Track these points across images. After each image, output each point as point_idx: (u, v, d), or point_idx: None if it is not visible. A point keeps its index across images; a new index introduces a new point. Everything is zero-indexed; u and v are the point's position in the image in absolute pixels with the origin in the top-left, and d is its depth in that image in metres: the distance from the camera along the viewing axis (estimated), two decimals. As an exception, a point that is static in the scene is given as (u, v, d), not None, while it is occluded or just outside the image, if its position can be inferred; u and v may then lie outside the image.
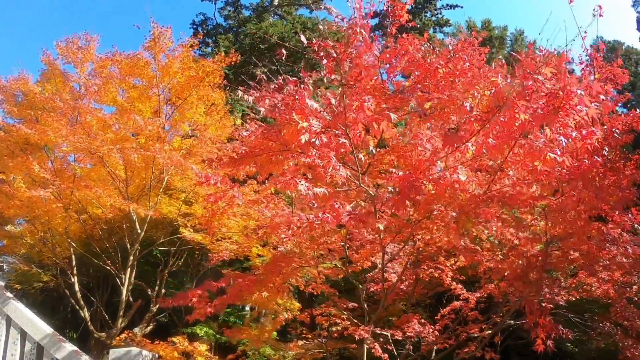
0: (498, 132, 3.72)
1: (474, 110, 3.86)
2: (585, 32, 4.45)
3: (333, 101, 3.87)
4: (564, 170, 3.98)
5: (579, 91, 3.16)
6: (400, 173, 4.03)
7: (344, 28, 6.11)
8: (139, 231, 10.07)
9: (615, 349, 9.92)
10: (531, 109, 3.43)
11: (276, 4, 22.53)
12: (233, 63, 10.18)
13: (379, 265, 9.14)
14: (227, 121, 11.42)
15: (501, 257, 5.97)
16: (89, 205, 9.77)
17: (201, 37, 14.72)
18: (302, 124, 3.61)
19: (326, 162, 4.07)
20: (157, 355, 7.45)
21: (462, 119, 3.94)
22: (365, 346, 8.31)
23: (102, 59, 9.38)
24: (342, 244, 6.33)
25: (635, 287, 7.91)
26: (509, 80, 3.77)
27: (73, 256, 10.00)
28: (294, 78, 4.54)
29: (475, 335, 8.56)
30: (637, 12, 17.29)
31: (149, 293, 11.10)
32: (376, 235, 6.52)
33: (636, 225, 5.43)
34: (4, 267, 5.93)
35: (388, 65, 5.94)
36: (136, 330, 10.01)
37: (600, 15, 5.19)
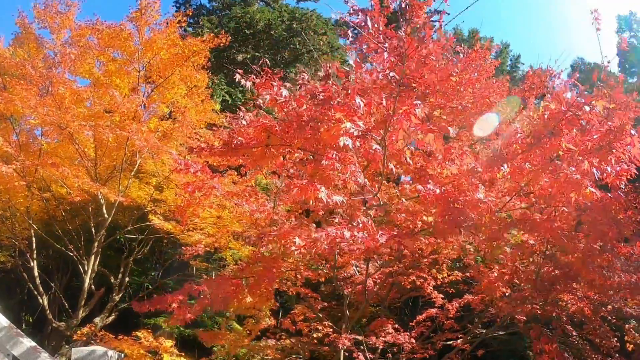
0: (536, 156, 3.52)
1: (518, 132, 3.61)
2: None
3: (384, 102, 3.45)
4: (589, 203, 3.84)
5: (632, 131, 3.00)
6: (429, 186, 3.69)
7: (356, 21, 5.76)
8: (106, 216, 9.39)
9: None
10: (580, 141, 3.26)
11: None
12: (221, 45, 9.60)
13: (355, 269, 8.93)
14: (208, 105, 10.83)
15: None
16: (54, 183, 9.00)
17: (190, 14, 13.95)
18: (346, 124, 3.21)
19: (344, 167, 3.70)
20: (122, 355, 6.91)
21: (510, 139, 3.67)
22: (342, 351, 8.07)
23: (82, 26, 8.59)
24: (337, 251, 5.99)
25: (609, 307, 8.06)
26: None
27: (33, 238, 9.21)
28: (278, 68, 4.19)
29: (454, 345, 8.50)
30: (619, 38, 17.81)
31: (112, 281, 10.42)
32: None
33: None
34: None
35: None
36: (97, 320, 9.36)
37: (598, 29, 5.09)
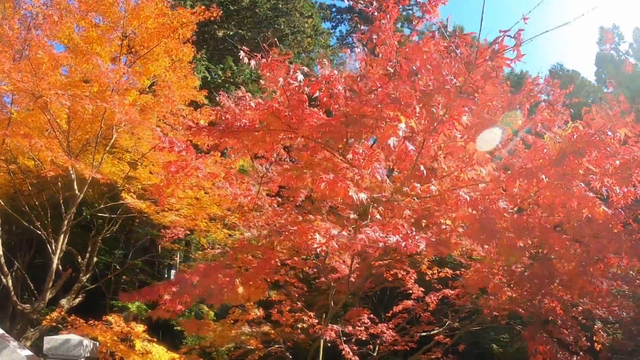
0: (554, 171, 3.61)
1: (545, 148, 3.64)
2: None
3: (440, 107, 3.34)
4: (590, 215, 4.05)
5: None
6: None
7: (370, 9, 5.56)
8: (77, 192, 8.82)
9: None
10: (601, 162, 3.46)
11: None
12: (212, 19, 9.11)
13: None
14: (191, 81, 10.33)
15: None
16: (21, 155, 8.35)
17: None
18: (402, 124, 3.03)
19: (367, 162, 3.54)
20: (97, 344, 6.54)
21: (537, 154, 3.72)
22: (322, 340, 8.01)
23: (63, -13, 7.89)
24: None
25: (580, 307, 8.40)
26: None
27: (-3, 213, 8.55)
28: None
29: (435, 338, 8.64)
30: (600, 49, 18.38)
31: (79, 260, 9.88)
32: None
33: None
34: None
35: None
36: (63, 302, 8.85)
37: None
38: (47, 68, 7.13)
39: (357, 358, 6.61)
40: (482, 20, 3.10)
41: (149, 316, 11.21)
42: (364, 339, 8.34)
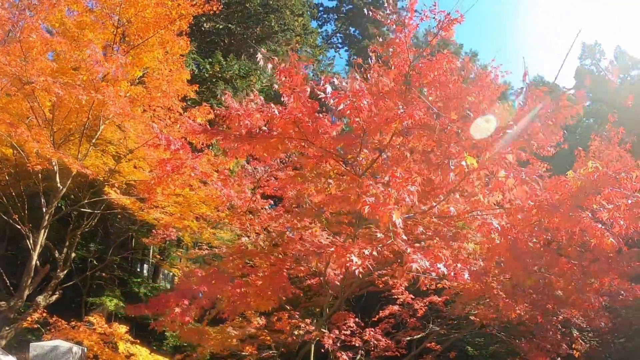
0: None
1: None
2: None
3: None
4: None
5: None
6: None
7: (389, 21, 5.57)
8: (60, 186, 8.38)
9: (505, 352, 11.17)
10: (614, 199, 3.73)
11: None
12: (210, 12, 8.82)
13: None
14: (182, 74, 10.00)
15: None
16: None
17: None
18: (469, 161, 2.98)
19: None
20: (85, 350, 6.24)
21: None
22: (312, 345, 7.95)
23: (58, -32, 7.41)
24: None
25: (560, 316, 8.69)
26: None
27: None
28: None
29: (426, 345, 8.69)
30: (581, 64, 19.03)
31: (57, 256, 9.40)
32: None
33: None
34: None
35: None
36: (39, 299, 8.40)
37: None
38: (37, 53, 6.71)
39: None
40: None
41: (126, 314, 10.88)
42: (357, 345, 8.34)
